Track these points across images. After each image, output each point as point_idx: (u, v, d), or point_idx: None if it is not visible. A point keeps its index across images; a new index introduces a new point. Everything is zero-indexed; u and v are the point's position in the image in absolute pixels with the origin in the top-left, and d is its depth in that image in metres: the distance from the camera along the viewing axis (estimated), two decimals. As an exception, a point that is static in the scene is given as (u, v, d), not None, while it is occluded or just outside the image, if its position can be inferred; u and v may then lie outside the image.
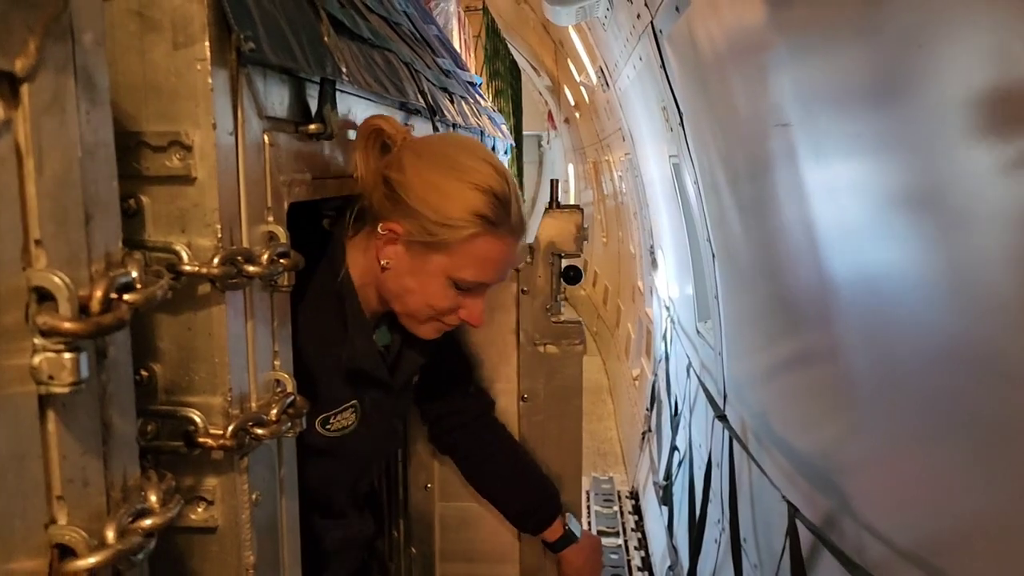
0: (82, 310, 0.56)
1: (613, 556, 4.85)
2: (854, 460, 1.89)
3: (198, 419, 0.87)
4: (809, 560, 2.07)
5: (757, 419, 2.82)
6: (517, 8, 8.64)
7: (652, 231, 5.93)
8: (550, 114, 14.68)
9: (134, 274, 0.62)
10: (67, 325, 0.54)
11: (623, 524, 5.50)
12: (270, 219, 0.99)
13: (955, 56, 1.07)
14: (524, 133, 11.97)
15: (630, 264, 8.23)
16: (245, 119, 0.93)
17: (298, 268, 1.00)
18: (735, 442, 2.90)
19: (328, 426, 1.33)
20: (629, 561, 4.92)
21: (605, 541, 4.97)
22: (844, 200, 1.68)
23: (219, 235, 0.86)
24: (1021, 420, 0.99)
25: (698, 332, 3.94)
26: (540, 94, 14.04)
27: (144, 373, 0.86)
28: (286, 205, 1.05)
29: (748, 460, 2.72)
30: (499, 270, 1.31)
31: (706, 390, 3.50)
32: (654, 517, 5.04)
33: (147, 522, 0.63)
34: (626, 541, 5.23)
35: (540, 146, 16.75)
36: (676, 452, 4.41)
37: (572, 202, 7.72)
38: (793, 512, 2.02)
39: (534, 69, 12.38)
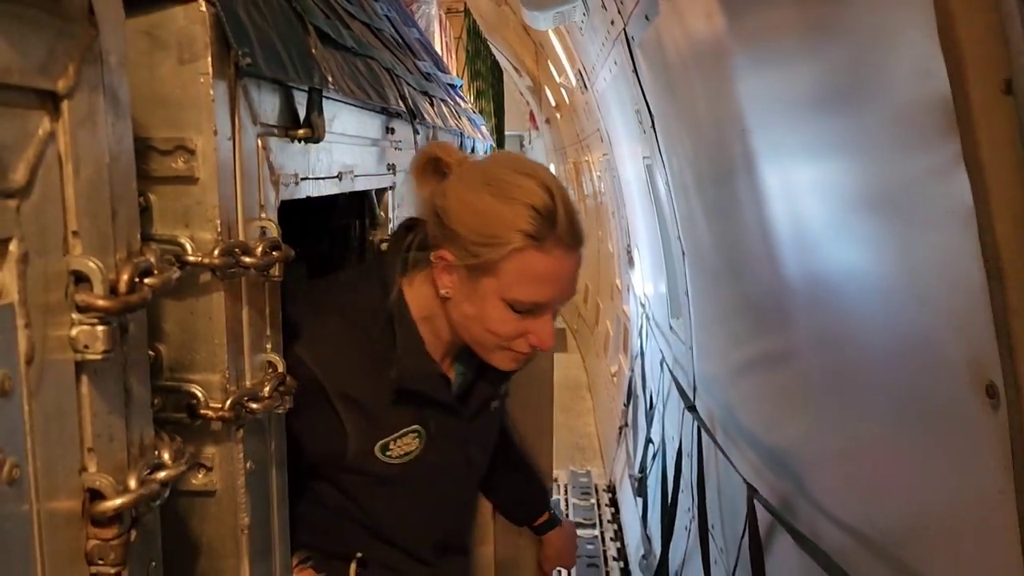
0: (111, 291, 0.67)
1: (589, 547, 4.97)
2: (812, 451, 2.01)
3: (200, 394, 0.97)
4: (767, 541, 2.20)
5: (724, 411, 2.95)
6: (498, 10, 8.72)
7: (629, 230, 6.07)
8: (532, 114, 14.80)
9: (152, 261, 0.72)
10: (100, 302, 0.65)
11: (600, 516, 5.63)
12: (263, 215, 1.10)
13: (902, 65, 1.17)
14: (506, 133, 12.09)
15: (609, 263, 8.37)
16: (242, 126, 1.03)
17: (288, 260, 1.11)
18: (703, 432, 3.03)
19: (388, 453, 1.30)
20: (605, 552, 5.05)
21: (582, 532, 5.10)
22: (800, 204, 1.80)
23: (219, 229, 0.97)
24: (963, 416, 1.09)
25: (671, 328, 4.07)
26: (522, 94, 14.16)
27: (151, 352, 0.97)
28: (277, 202, 1.15)
29: (715, 450, 2.85)
30: (555, 287, 1.22)
31: (677, 383, 3.63)
32: (629, 509, 5.18)
33: (162, 474, 0.74)
34: (602, 532, 5.37)
35: (522, 146, 16.88)
36: (651, 445, 4.55)
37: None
38: (752, 493, 2.14)
39: (516, 70, 12.48)
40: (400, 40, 2.93)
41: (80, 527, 0.66)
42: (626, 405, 5.98)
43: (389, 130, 1.93)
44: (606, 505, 5.86)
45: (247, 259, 1.00)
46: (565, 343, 10.46)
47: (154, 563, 0.79)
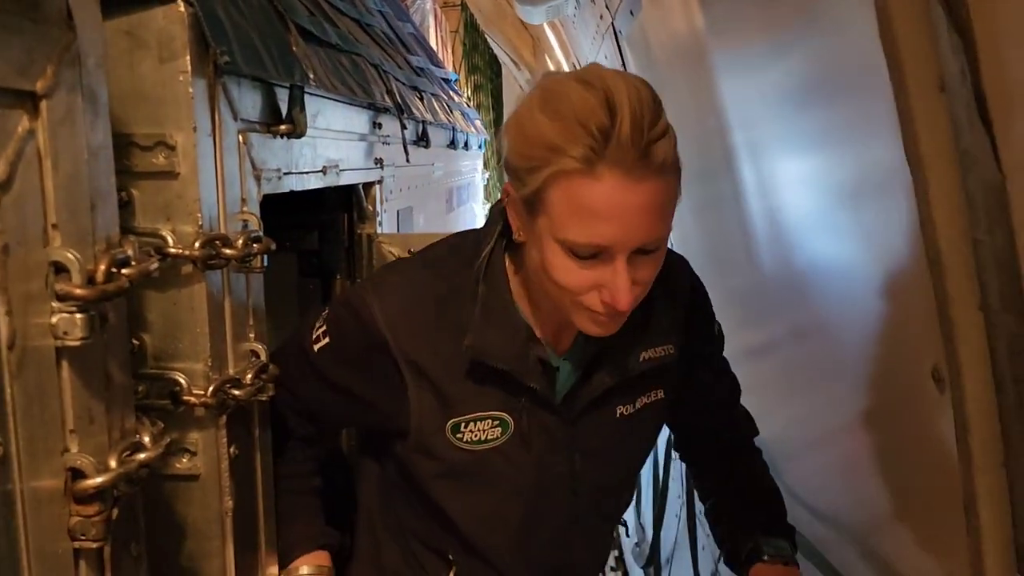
0: (89, 281, 0.70)
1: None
2: (791, 441, 2.04)
3: (183, 381, 1.01)
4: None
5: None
6: (495, 3, 8.72)
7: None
8: (530, 107, 14.76)
9: (130, 252, 0.76)
10: (78, 291, 0.69)
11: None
12: (245, 209, 1.14)
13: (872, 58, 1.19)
14: (504, 126, 12.06)
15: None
16: (222, 122, 1.07)
17: (269, 251, 1.14)
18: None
19: (459, 434, 1.10)
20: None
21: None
22: (778, 198, 1.84)
23: (200, 222, 1.00)
24: (917, 400, 1.13)
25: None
26: (522, 88, 14.15)
27: (136, 342, 1.00)
28: (260, 196, 1.19)
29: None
30: (616, 225, 0.92)
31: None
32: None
33: (142, 455, 0.78)
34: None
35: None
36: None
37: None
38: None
39: (514, 63, 12.47)
40: (392, 35, 2.96)
41: (63, 504, 0.70)
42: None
43: (376, 125, 1.97)
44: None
45: (228, 251, 1.04)
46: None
47: (135, 542, 0.83)
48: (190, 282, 1.02)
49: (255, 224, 1.14)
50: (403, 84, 2.44)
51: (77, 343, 0.69)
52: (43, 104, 0.67)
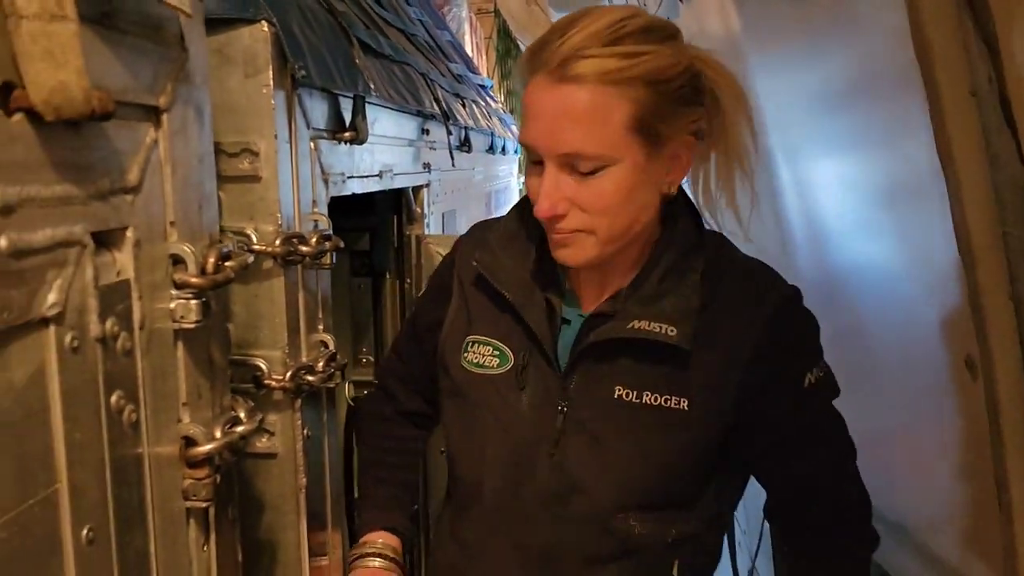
0: (201, 271, 0.80)
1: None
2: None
3: (264, 366, 1.11)
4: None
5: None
6: (528, 9, 8.81)
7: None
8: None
9: (231, 246, 0.85)
10: (194, 280, 0.78)
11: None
12: (316, 210, 1.23)
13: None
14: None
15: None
16: (297, 130, 1.16)
17: (338, 249, 1.23)
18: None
19: (467, 354, 1.08)
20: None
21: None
22: (815, 200, 1.88)
23: (279, 222, 1.10)
24: (953, 390, 1.17)
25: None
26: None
27: (222, 331, 1.10)
28: (327, 198, 1.28)
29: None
30: (536, 125, 0.94)
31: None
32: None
33: (240, 428, 0.87)
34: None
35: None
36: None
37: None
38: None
39: (545, 68, 12.51)
40: (433, 43, 3.06)
41: (178, 468, 0.79)
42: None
43: (424, 131, 2.06)
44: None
45: (304, 248, 1.13)
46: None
47: (232, 506, 0.92)
48: (270, 276, 1.11)
49: (325, 224, 1.23)
50: (447, 91, 2.53)
51: (192, 326, 0.78)
52: (164, 117, 0.77)
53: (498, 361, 1.08)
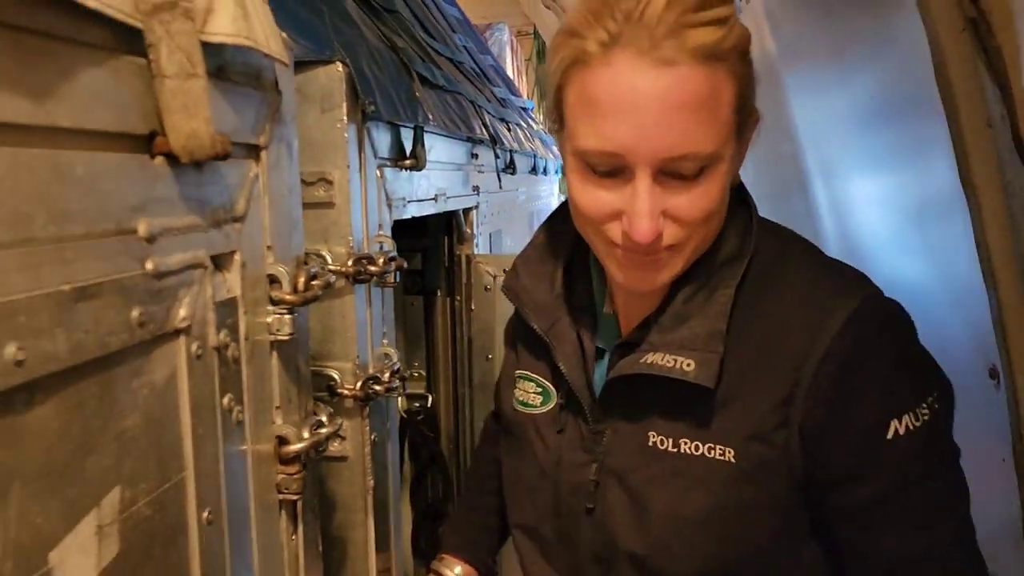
0: (292, 290, 0.90)
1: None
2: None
3: (337, 376, 1.21)
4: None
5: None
6: (566, 31, 8.87)
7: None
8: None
9: (316, 268, 0.96)
10: (287, 297, 0.88)
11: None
12: (381, 232, 1.34)
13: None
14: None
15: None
16: (365, 159, 1.27)
17: (402, 270, 1.34)
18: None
19: (516, 390, 1.00)
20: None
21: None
22: (851, 218, 1.95)
23: (351, 244, 1.21)
24: (979, 399, 1.22)
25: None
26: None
27: (298, 343, 1.21)
28: (391, 222, 1.39)
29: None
30: (623, 121, 0.72)
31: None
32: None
33: (323, 430, 0.97)
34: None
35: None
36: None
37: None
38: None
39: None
40: (478, 69, 3.18)
41: (272, 464, 0.90)
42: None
43: (474, 155, 2.17)
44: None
45: (372, 268, 1.24)
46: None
47: (314, 502, 1.02)
48: (342, 294, 1.22)
49: (390, 245, 1.33)
50: (493, 116, 2.65)
51: (286, 338, 0.89)
52: (263, 154, 0.87)
53: (541, 399, 0.97)
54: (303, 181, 1.18)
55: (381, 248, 1.32)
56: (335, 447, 1.24)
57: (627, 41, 0.72)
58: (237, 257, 0.81)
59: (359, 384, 1.22)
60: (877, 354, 0.77)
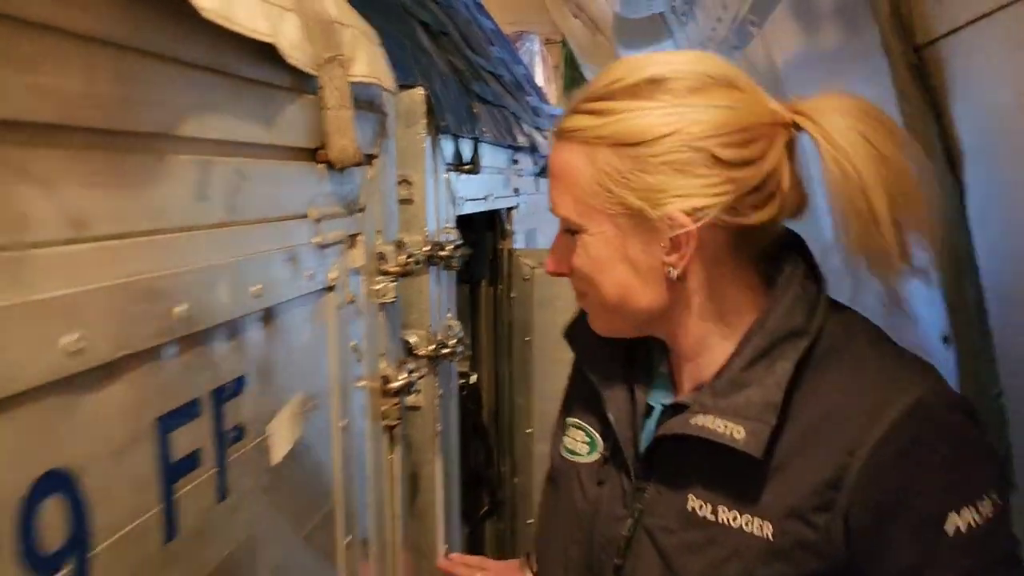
0: (395, 264, 1.18)
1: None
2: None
3: (413, 340, 1.49)
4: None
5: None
6: (593, 39, 9.14)
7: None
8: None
9: (409, 250, 1.24)
10: (392, 269, 1.17)
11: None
12: (447, 225, 1.62)
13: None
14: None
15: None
16: (437, 165, 1.55)
17: (466, 257, 1.61)
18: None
19: (565, 437, 1.00)
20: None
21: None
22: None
23: (426, 233, 1.49)
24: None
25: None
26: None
27: (383, 313, 1.49)
28: (454, 217, 1.67)
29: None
30: (551, 183, 0.87)
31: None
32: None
33: (413, 375, 1.25)
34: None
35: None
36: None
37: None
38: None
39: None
40: (514, 81, 3.46)
41: (379, 396, 1.18)
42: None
43: (514, 161, 2.45)
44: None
45: (442, 253, 1.52)
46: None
47: (403, 434, 1.30)
48: (419, 273, 1.50)
49: (455, 235, 1.61)
50: (530, 125, 2.92)
51: (390, 301, 1.17)
52: (375, 161, 1.16)
53: (588, 448, 0.97)
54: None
55: (448, 237, 1.60)
56: (411, 399, 1.52)
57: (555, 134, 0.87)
58: (361, 237, 1.10)
59: (431, 347, 1.49)
60: (937, 446, 0.75)
